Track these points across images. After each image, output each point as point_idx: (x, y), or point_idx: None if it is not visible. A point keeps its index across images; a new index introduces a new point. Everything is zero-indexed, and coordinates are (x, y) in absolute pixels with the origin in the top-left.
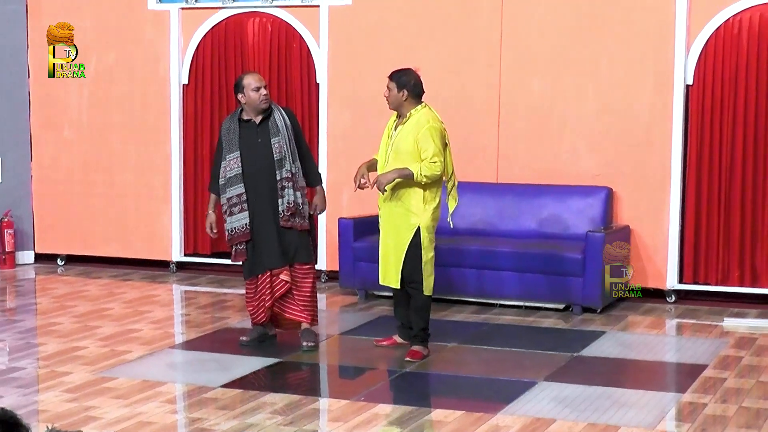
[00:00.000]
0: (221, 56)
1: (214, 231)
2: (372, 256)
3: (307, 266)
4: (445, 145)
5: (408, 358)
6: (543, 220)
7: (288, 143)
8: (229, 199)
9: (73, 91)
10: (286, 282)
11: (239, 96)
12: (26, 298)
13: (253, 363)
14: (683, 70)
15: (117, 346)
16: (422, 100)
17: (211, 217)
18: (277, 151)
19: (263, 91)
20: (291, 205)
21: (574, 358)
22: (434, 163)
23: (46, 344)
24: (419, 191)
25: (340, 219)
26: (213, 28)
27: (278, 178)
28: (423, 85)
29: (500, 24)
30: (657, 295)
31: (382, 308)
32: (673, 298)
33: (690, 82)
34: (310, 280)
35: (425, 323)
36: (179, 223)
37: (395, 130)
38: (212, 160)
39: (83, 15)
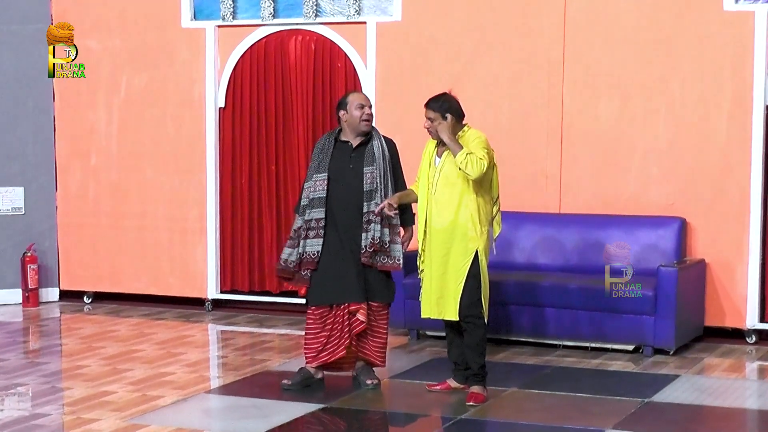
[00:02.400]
0: (261, 77)
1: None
2: None
3: (383, 305)
4: (493, 165)
5: (471, 402)
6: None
7: (382, 175)
8: (307, 221)
9: (102, 115)
10: (363, 322)
11: (341, 113)
12: (51, 339)
13: (296, 409)
14: (763, 90)
15: (148, 390)
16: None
17: None
18: (368, 181)
19: (367, 111)
20: (375, 242)
21: (645, 405)
22: (481, 159)
23: (72, 389)
24: (474, 214)
25: None
26: (252, 47)
27: (365, 210)
28: (461, 106)
29: (563, 41)
30: (736, 335)
31: (435, 349)
32: (754, 338)
33: None
34: (385, 321)
35: (484, 360)
36: (215, 257)
37: (439, 156)
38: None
39: (112, 34)
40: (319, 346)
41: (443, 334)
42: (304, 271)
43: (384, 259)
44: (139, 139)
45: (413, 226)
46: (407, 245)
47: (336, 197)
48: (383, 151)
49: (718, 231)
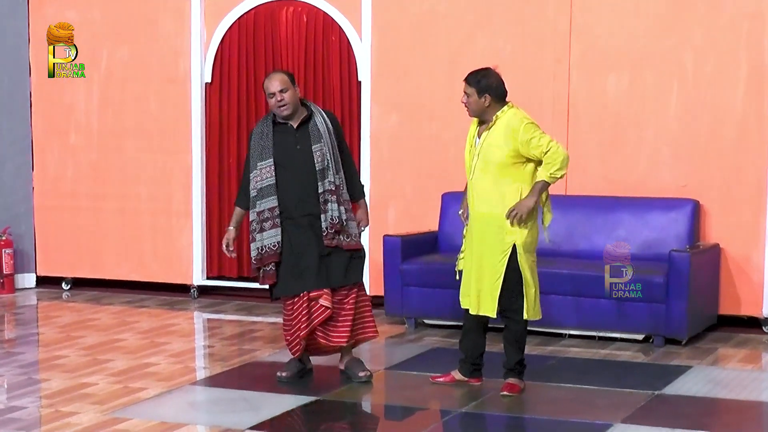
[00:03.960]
0: (249, 51)
1: (231, 249)
2: (422, 280)
3: (348, 287)
4: None
5: (505, 392)
6: (619, 238)
7: (331, 151)
8: (260, 213)
9: (81, 91)
10: (327, 308)
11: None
12: (27, 328)
13: (287, 402)
14: None
15: (131, 382)
16: (507, 100)
17: (231, 233)
18: (318, 159)
19: (278, 97)
20: (335, 222)
21: (655, 397)
22: (554, 151)
23: (49, 380)
24: (513, 204)
25: (385, 237)
26: (240, 18)
27: (320, 190)
28: (505, 84)
29: (569, 12)
30: (752, 324)
31: (434, 339)
32: None
33: None
34: (352, 300)
35: (522, 354)
36: (201, 242)
37: (479, 137)
38: (243, 169)
39: (91, 4)
40: (290, 338)
41: (443, 323)
42: (268, 266)
43: (347, 239)
44: (121, 117)
45: (364, 200)
46: (365, 222)
47: (287, 182)
48: (327, 126)
49: (733, 214)
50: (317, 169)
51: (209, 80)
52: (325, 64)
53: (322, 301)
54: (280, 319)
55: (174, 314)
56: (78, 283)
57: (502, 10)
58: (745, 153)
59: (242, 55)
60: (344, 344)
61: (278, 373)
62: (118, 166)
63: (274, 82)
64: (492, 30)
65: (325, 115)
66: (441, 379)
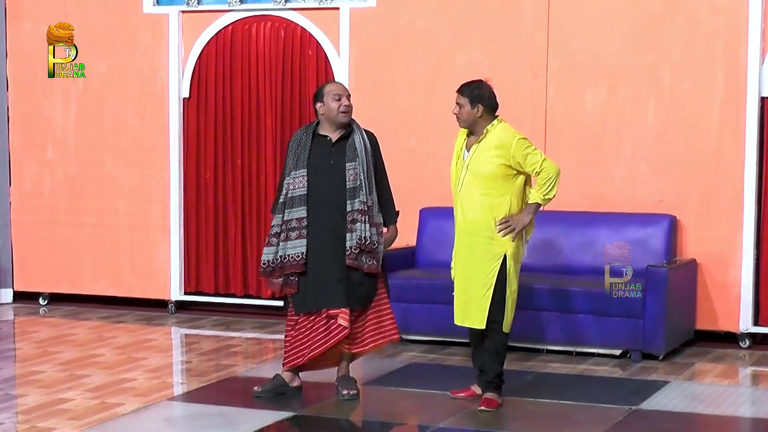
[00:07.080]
0: (227, 66)
1: None
2: (400, 295)
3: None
4: None
5: (482, 407)
6: (596, 253)
7: (365, 171)
8: (287, 221)
9: (59, 105)
10: (345, 328)
11: (317, 105)
12: (4, 343)
13: (265, 417)
14: (757, 80)
15: (108, 398)
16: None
17: None
18: (351, 178)
19: (345, 102)
20: (363, 242)
21: (632, 413)
22: (547, 171)
23: (26, 396)
24: (502, 217)
25: None
26: (218, 33)
27: (349, 209)
28: (496, 97)
29: (546, 28)
30: (728, 339)
31: (412, 354)
32: (747, 342)
33: (765, 93)
34: (372, 309)
35: (501, 368)
36: (179, 257)
37: (467, 150)
38: (279, 176)
39: (69, 19)
40: (291, 349)
41: (421, 338)
42: (292, 276)
43: (370, 261)
44: (99, 131)
45: (394, 226)
46: (388, 245)
47: (316, 195)
48: (365, 145)
49: (710, 229)
50: (348, 187)
51: (187, 95)
52: (302, 79)
53: (340, 320)
54: (257, 335)
55: (151, 329)
56: (55, 299)
57: (480, 26)
58: (721, 168)
59: (220, 70)
60: (364, 351)
61: (254, 388)
62: (96, 181)
63: (344, 88)
64: (469, 45)
65: (365, 135)
66: (461, 394)
